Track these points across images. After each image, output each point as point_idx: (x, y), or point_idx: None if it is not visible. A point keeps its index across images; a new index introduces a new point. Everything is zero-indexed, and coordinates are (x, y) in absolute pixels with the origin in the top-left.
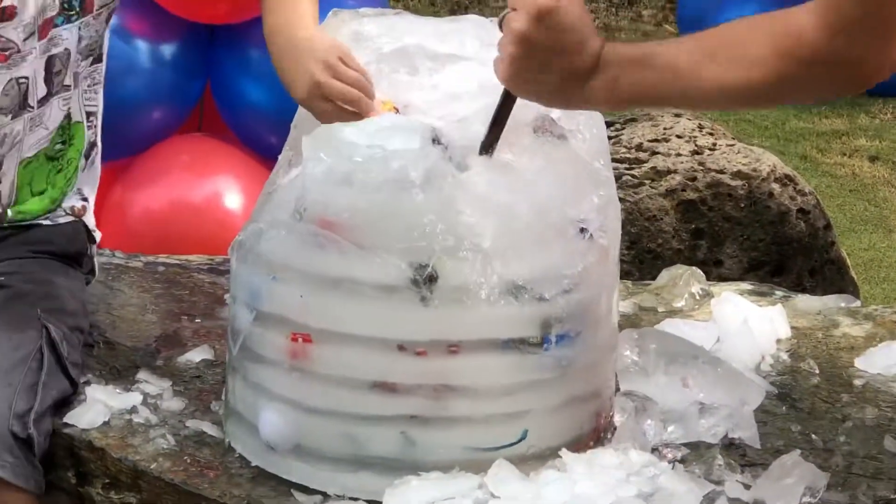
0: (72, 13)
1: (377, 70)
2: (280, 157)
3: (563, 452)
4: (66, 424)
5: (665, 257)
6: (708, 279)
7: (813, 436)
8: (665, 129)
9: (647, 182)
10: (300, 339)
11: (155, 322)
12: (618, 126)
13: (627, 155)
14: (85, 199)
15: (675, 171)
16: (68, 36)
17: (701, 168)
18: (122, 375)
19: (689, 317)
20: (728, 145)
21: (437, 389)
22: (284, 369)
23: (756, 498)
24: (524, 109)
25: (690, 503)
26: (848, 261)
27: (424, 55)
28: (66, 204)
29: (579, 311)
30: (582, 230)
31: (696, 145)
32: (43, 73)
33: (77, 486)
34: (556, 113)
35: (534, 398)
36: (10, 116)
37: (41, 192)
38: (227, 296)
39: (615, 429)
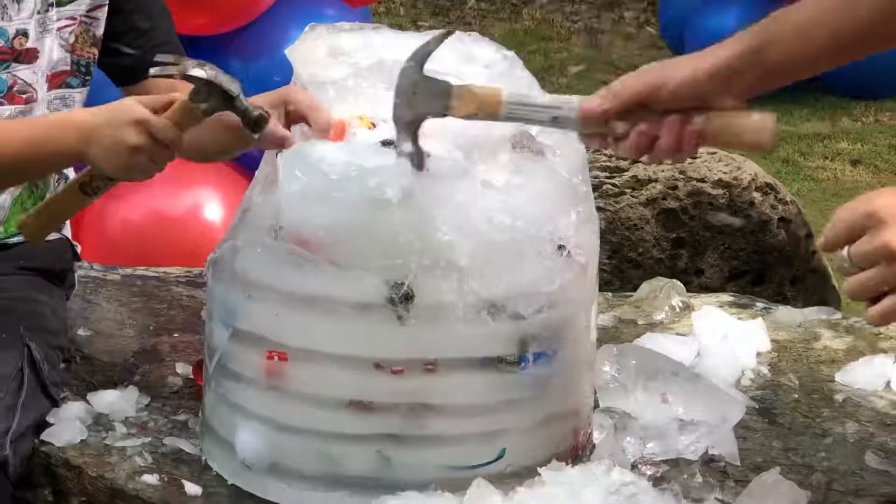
0: (87, 77)
1: (354, 85)
2: (257, 172)
3: (542, 471)
4: (43, 442)
5: (646, 266)
6: (689, 289)
7: (793, 452)
8: None
9: (627, 191)
10: (276, 358)
11: (133, 337)
12: None
13: (608, 163)
14: None
15: (656, 180)
16: (79, 98)
17: (682, 177)
18: (98, 392)
19: (668, 329)
20: (709, 153)
21: (413, 408)
22: (260, 388)
23: None
24: (502, 126)
25: None
26: (830, 269)
27: None
28: None
29: (557, 330)
30: (560, 247)
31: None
32: None
33: None
34: (534, 129)
35: (511, 417)
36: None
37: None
38: (203, 312)
39: (594, 446)
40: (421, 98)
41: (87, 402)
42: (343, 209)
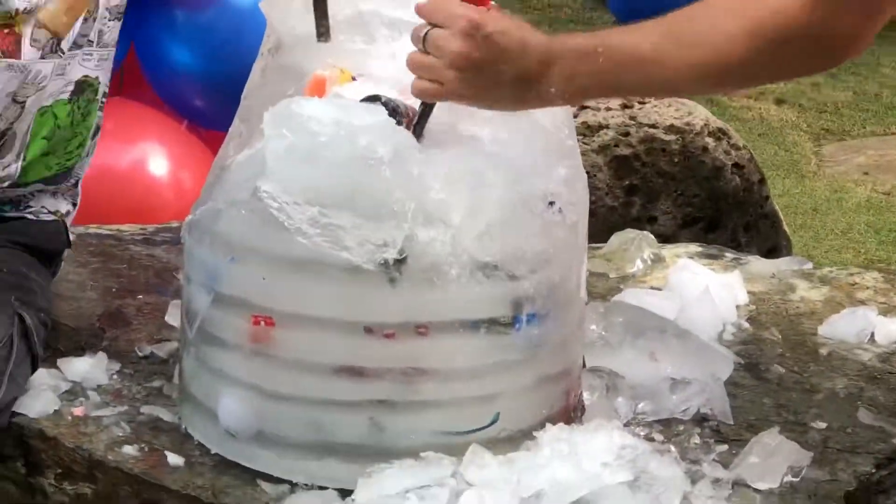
0: None
1: (332, 38)
2: (231, 128)
3: (539, 434)
4: (14, 413)
5: (599, 215)
6: None
7: (784, 409)
8: None
9: (578, 138)
10: (262, 323)
11: (96, 299)
12: None
13: None
14: (74, 205)
15: (607, 126)
16: None
17: (633, 123)
18: (69, 359)
19: (642, 283)
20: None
21: (406, 373)
22: (245, 354)
23: (737, 478)
24: None
25: (675, 487)
26: (781, 215)
27: (380, 22)
28: (52, 205)
29: (550, 290)
30: (551, 204)
31: (626, 98)
32: None
33: (27, 477)
34: None
35: (505, 379)
36: (39, 54)
37: (49, 154)
38: (179, 274)
39: (584, 407)
40: None
41: (57, 369)
42: (333, 169)
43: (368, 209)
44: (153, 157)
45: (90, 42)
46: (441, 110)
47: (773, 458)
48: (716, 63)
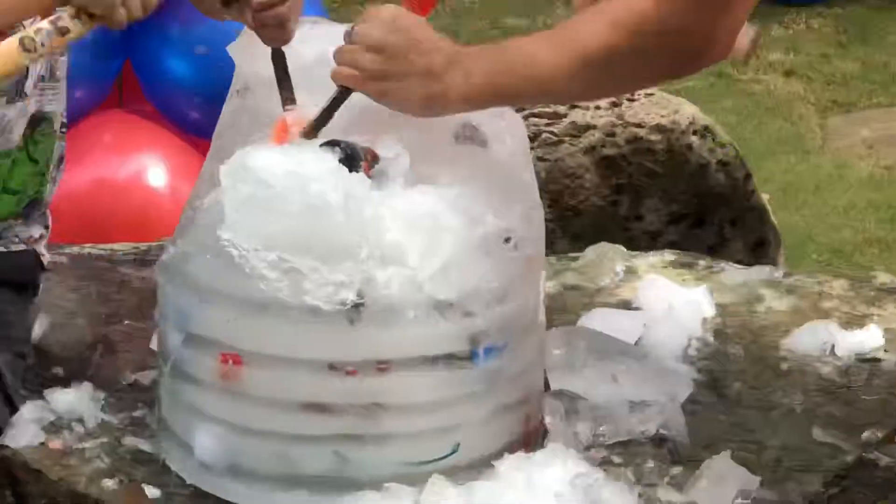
0: None
1: (298, 80)
2: (202, 168)
3: (497, 462)
4: (2, 445)
5: (586, 213)
6: (630, 234)
7: (741, 427)
8: None
9: (566, 139)
10: (230, 361)
11: (84, 327)
12: None
13: (546, 109)
14: (46, 227)
15: (595, 127)
16: None
17: (620, 122)
18: (54, 390)
19: (613, 295)
20: (647, 95)
21: (368, 408)
22: (216, 390)
23: (689, 502)
24: (443, 119)
25: None
26: (768, 207)
27: None
28: (24, 232)
29: (506, 323)
30: (506, 240)
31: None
32: None
33: None
34: (476, 119)
35: (464, 411)
36: (4, 99)
37: (16, 192)
38: (155, 312)
39: (546, 431)
40: None
41: (43, 399)
42: (287, 216)
43: (325, 253)
44: (151, 168)
45: (42, 78)
46: (398, 152)
47: (722, 484)
48: (578, 60)
